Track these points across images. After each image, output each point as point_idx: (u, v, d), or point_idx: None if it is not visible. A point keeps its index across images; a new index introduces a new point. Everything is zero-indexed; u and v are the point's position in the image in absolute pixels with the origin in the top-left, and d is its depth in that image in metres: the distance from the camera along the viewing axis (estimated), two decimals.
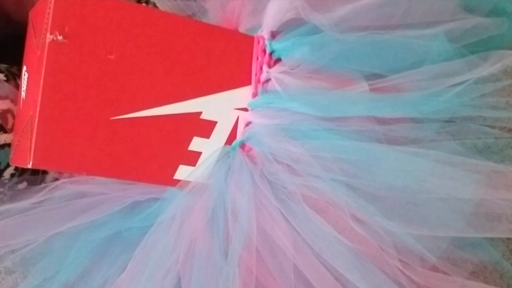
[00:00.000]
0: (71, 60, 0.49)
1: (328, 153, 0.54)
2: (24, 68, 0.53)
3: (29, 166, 0.48)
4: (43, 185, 0.56)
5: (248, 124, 0.57)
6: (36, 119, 0.48)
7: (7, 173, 0.54)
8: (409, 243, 0.53)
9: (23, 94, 0.53)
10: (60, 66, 0.49)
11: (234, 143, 0.57)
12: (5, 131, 0.54)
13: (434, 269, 0.54)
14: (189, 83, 0.54)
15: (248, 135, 0.57)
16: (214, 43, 0.56)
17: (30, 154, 0.48)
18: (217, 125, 0.56)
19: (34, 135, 0.48)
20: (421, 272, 0.53)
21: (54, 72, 0.48)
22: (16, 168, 0.55)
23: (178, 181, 0.55)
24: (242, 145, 0.57)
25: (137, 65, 0.51)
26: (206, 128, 0.55)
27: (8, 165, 0.54)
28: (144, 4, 0.64)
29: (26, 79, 0.52)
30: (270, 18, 0.58)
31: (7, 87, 0.55)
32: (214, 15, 0.61)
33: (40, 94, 0.48)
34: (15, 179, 0.55)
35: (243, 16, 0.60)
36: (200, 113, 0.55)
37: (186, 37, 0.54)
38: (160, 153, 0.53)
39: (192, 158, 0.55)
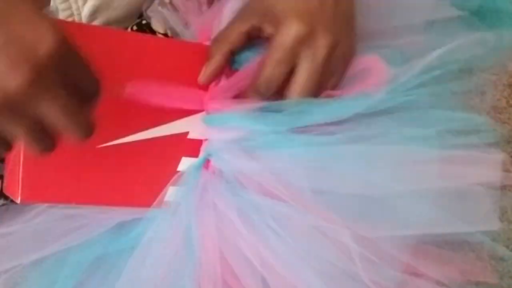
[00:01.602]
0: None
1: (292, 163, 0.53)
2: None
3: (18, 201, 0.48)
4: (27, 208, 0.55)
5: (205, 140, 0.56)
6: (22, 153, 0.48)
7: None
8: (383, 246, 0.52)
9: None
10: None
11: (197, 161, 0.55)
12: None
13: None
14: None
15: (208, 152, 0.56)
16: (193, 61, 0.55)
17: (18, 190, 0.48)
18: (205, 143, 0.55)
19: (21, 172, 0.48)
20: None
21: None
22: None
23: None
24: (207, 162, 0.56)
25: (119, 90, 0.50)
26: (194, 147, 0.55)
27: None
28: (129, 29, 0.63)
29: None
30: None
31: None
32: (195, 29, 0.60)
33: None
34: None
35: (217, 28, 0.58)
36: (187, 133, 0.54)
37: (164, 58, 0.53)
38: (150, 176, 0.53)
39: (178, 179, 0.54)
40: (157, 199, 0.54)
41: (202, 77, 0.54)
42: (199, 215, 0.54)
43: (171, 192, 0.54)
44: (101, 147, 0.50)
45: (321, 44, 0.52)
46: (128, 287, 0.53)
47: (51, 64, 0.34)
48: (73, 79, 0.37)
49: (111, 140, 0.51)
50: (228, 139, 0.55)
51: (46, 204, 0.54)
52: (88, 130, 0.40)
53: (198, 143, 0.55)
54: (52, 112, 0.36)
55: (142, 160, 0.53)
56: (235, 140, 0.54)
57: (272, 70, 0.52)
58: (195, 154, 0.55)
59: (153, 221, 0.55)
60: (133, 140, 0.52)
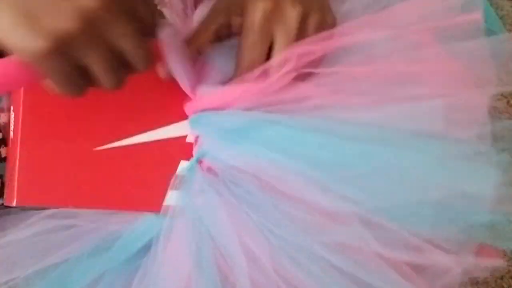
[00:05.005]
0: (48, 95, 0.47)
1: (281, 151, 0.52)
2: (12, 108, 0.54)
3: (14, 204, 0.48)
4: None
5: (196, 140, 0.56)
6: (17, 156, 0.48)
7: None
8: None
9: (11, 133, 0.53)
10: (37, 101, 0.49)
11: (189, 162, 0.55)
12: (6, 144, 0.54)
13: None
14: (171, 108, 0.54)
15: (201, 151, 0.55)
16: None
17: (14, 192, 0.48)
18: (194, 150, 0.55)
19: (17, 173, 0.48)
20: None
21: (32, 107, 0.49)
22: None
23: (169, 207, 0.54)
24: (201, 162, 0.55)
25: (116, 93, 0.50)
26: (192, 151, 0.55)
27: None
28: None
29: (13, 118, 0.53)
30: None
31: (9, 99, 0.55)
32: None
33: (19, 131, 0.49)
34: None
35: None
36: (185, 137, 0.54)
37: None
38: (148, 180, 0.53)
39: (176, 183, 0.54)
40: (157, 203, 0.54)
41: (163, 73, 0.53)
42: (201, 216, 0.53)
43: (171, 196, 0.54)
44: (99, 149, 0.51)
45: (290, 16, 0.51)
46: None
47: (98, 10, 0.39)
48: (137, 12, 0.41)
49: (109, 143, 0.51)
50: (215, 137, 0.54)
51: (43, 209, 0.53)
52: (150, 58, 0.43)
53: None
54: (122, 38, 0.41)
55: (140, 164, 0.53)
56: (223, 136, 0.54)
57: (251, 53, 0.52)
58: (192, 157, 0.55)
59: (147, 227, 0.55)
60: (131, 143, 0.52)
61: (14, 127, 0.52)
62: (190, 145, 0.55)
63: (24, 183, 0.48)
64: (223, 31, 0.55)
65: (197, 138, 0.55)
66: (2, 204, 0.54)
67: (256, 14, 0.51)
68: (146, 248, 0.55)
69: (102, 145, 0.50)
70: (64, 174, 0.50)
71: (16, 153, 0.49)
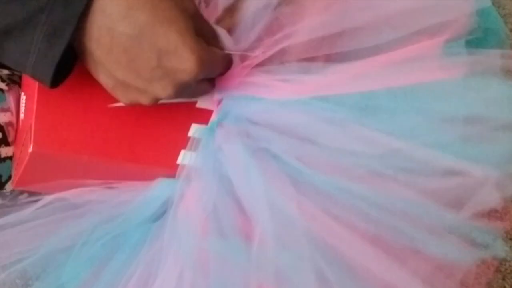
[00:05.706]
0: None
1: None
2: (22, 93, 0.55)
3: (30, 150, 0.49)
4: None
5: (219, 103, 0.56)
6: (35, 105, 0.49)
7: (8, 186, 0.55)
8: None
9: (21, 115, 0.54)
10: None
11: (210, 123, 0.56)
12: (6, 144, 0.54)
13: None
14: None
15: (223, 112, 0.56)
16: None
17: (30, 140, 0.49)
18: (214, 113, 0.56)
19: (34, 120, 0.49)
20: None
21: None
22: None
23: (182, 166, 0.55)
24: (220, 126, 0.56)
25: None
26: (203, 115, 0.56)
27: (9, 178, 0.55)
28: None
29: (24, 101, 0.54)
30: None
31: (9, 99, 0.56)
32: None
33: (37, 87, 0.50)
34: (16, 191, 0.56)
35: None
36: (195, 102, 0.55)
37: None
38: (161, 138, 0.54)
39: (193, 144, 0.55)
40: (168, 163, 0.55)
41: None
42: (224, 168, 0.54)
43: (186, 157, 0.55)
44: (112, 106, 0.52)
45: None
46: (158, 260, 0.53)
47: (191, 81, 0.47)
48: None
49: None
50: (239, 97, 0.55)
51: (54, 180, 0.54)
52: None
53: (206, 112, 0.56)
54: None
55: (152, 124, 0.54)
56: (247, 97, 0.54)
57: None
58: (204, 122, 0.56)
59: (165, 192, 0.55)
60: None
61: (26, 105, 0.53)
62: (200, 111, 0.56)
63: (40, 131, 0.49)
64: None
65: (219, 102, 0.56)
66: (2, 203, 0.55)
67: None
68: (159, 215, 0.56)
69: (116, 102, 0.52)
70: (79, 126, 0.51)
71: (32, 106, 0.50)
